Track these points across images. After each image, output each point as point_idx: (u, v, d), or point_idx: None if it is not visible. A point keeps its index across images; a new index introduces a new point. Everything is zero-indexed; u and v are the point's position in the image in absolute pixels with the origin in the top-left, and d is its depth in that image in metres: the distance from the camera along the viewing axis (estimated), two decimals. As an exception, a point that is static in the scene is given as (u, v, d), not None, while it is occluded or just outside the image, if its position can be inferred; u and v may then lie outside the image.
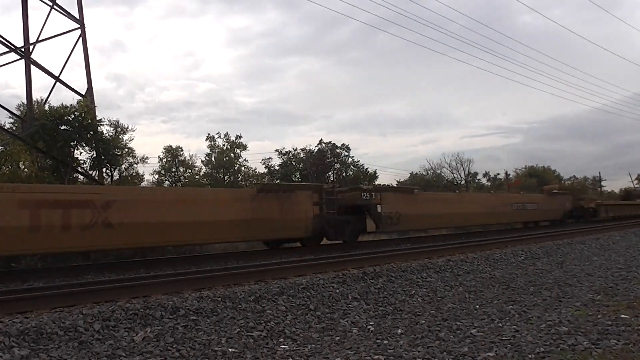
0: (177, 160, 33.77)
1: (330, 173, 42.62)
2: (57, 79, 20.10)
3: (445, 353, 5.32)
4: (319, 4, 54.31)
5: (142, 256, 15.46)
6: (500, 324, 6.58)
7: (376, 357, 5.22)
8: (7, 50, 18.76)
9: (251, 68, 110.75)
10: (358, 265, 10.59)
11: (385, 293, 8.64)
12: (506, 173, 58.20)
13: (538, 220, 31.20)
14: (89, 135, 19.51)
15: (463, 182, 52.88)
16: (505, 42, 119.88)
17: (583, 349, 5.23)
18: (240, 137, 35.92)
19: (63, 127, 18.80)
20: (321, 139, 43.26)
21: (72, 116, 18.92)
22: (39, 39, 19.97)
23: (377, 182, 44.68)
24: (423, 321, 6.90)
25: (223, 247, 18.01)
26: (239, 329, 6.27)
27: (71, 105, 19.49)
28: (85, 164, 21.30)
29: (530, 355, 5.10)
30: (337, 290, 8.37)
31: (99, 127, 20.14)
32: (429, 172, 54.41)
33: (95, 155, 20.78)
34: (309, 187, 17.36)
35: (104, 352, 5.23)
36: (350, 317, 7.21)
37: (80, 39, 20.55)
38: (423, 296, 8.68)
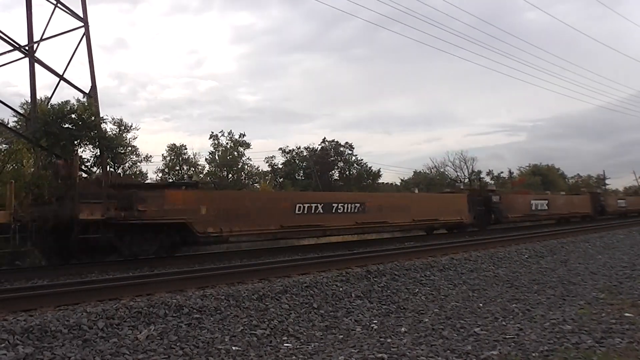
0: (180, 158, 33.84)
1: (333, 171, 42.60)
2: (61, 77, 20.14)
3: (448, 351, 5.32)
4: (322, 2, 54.18)
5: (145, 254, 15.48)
6: (504, 323, 6.57)
7: (380, 355, 5.22)
8: (11, 48, 18.81)
9: (254, 66, 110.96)
10: (361, 264, 10.58)
11: (388, 291, 8.64)
12: (510, 171, 58.13)
13: None
14: (92, 134, 19.55)
15: (467, 180, 52.82)
16: (509, 39, 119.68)
17: (587, 348, 5.22)
18: (244, 135, 35.97)
19: (66, 125, 18.86)
20: (324, 138, 43.28)
21: (74, 115, 18.98)
22: (43, 37, 20.02)
23: (380, 181, 44.73)
24: (427, 320, 6.90)
25: (226, 246, 18.05)
26: (242, 327, 6.28)
27: (69, 101, 19.59)
28: (89, 162, 21.36)
29: (534, 354, 5.09)
30: (341, 289, 8.37)
31: (101, 125, 20.18)
32: (432, 170, 54.44)
33: (98, 153, 20.84)
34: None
35: (108, 350, 5.25)
36: (354, 316, 7.22)
37: (84, 37, 20.60)
38: (427, 295, 8.67)
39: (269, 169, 40.69)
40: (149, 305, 6.48)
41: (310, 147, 42.47)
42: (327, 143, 42.60)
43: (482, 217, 23.74)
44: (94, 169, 21.39)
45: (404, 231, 21.98)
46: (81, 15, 20.67)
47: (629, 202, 39.17)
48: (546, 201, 28.42)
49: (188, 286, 8.04)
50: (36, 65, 19.42)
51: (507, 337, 5.79)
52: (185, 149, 34.18)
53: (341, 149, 42.70)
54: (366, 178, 42.07)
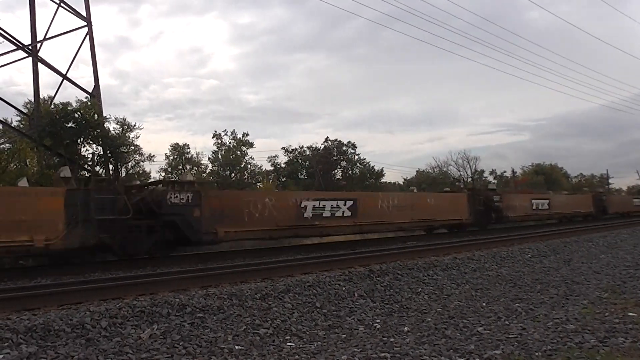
0: (183, 157, 33.90)
1: (336, 171, 42.55)
2: (64, 76, 20.20)
3: (451, 351, 5.31)
4: (324, 1, 54.23)
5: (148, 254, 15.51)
6: (507, 322, 6.56)
7: (382, 354, 5.21)
8: (15, 48, 18.88)
9: (256, 65, 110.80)
10: (364, 263, 10.59)
11: (391, 291, 8.63)
12: (513, 171, 57.99)
13: None
14: (95, 133, 19.61)
15: (469, 179, 52.73)
16: (512, 39, 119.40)
17: (590, 347, 5.21)
18: (247, 134, 35.98)
19: (69, 124, 18.92)
20: (327, 137, 43.20)
21: (78, 114, 19.05)
22: (46, 37, 20.08)
23: (383, 180, 44.70)
24: (429, 319, 6.89)
25: (229, 245, 18.07)
26: (245, 327, 6.28)
27: (69, 101, 19.69)
28: (92, 161, 21.40)
29: (537, 353, 5.08)
30: (344, 288, 8.37)
31: (104, 124, 20.23)
32: (435, 169, 54.33)
33: (102, 152, 20.89)
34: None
35: (111, 349, 5.26)
36: (357, 315, 7.21)
37: (87, 36, 20.66)
38: (429, 294, 8.66)
39: (272, 168, 40.68)
40: (152, 304, 6.50)
41: (313, 146, 42.44)
42: (329, 142, 42.54)
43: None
44: (97, 168, 21.46)
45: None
46: (84, 15, 20.73)
47: (556, 203, 28.47)
48: (351, 202, 17.11)
49: (191, 285, 8.05)
50: (39, 64, 19.50)
51: (510, 336, 5.78)
52: (188, 148, 34.27)
53: (344, 148, 42.64)
54: (369, 177, 42.02)
